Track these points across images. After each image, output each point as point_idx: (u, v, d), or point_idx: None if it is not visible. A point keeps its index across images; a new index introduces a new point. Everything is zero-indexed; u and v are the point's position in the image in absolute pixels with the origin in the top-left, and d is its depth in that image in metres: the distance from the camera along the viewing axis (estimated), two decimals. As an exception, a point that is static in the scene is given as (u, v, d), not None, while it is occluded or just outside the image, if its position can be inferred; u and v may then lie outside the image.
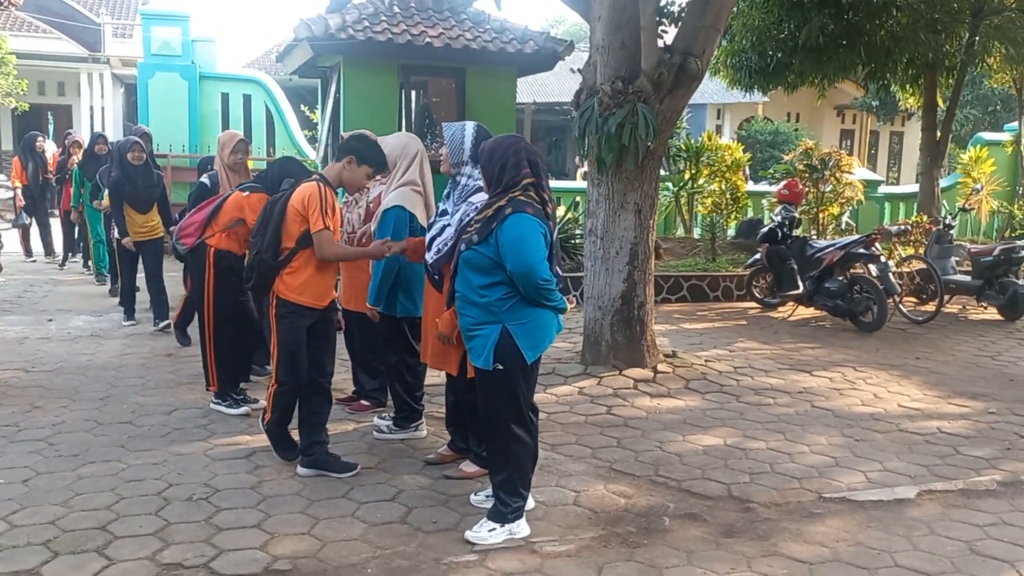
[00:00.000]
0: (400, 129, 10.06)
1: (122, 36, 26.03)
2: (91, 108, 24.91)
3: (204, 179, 6.58)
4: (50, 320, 8.31)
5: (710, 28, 6.44)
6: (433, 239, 4.31)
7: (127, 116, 28.32)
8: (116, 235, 7.92)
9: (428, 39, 9.77)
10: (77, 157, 10.53)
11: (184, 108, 13.45)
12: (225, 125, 13.65)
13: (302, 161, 6.05)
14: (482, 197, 4.07)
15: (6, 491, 4.23)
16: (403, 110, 10.38)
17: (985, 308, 10.02)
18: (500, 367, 3.74)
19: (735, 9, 10.58)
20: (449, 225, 4.24)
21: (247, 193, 5.50)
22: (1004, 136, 15.74)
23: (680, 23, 7.10)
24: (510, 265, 3.65)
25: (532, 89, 24.44)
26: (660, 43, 6.46)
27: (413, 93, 10.70)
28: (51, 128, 22.58)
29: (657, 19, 6.45)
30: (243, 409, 5.53)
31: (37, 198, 12.20)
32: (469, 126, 4.41)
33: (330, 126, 10.91)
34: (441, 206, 4.44)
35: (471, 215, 4.00)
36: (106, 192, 8.35)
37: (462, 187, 4.33)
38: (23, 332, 7.77)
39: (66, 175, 10.93)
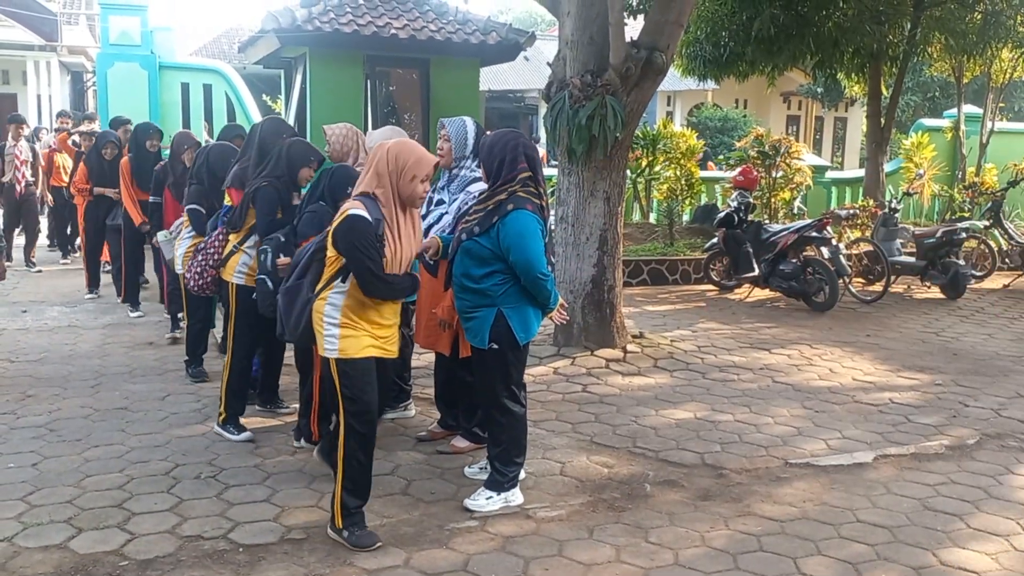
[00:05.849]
0: (365, 119, 10.25)
1: (68, 23, 25.57)
2: (38, 97, 24.43)
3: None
4: (24, 311, 8.35)
5: (674, 23, 6.75)
6: (430, 227, 4.56)
7: (73, 105, 27.82)
8: None
9: (393, 31, 9.98)
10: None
11: (144, 98, 13.36)
12: (186, 115, 13.61)
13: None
14: (480, 187, 4.33)
15: (18, 474, 4.39)
16: (368, 101, 10.56)
17: (929, 287, 10.53)
18: (495, 346, 4.02)
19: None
20: (447, 213, 4.51)
21: None
22: (944, 122, 16.33)
23: (645, 18, 7.39)
24: (512, 258, 3.91)
25: (486, 77, 24.43)
26: (627, 38, 6.76)
27: (378, 84, 10.88)
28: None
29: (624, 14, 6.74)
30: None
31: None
32: (469, 122, 4.67)
33: (296, 117, 11.04)
34: (436, 196, 4.68)
35: (469, 203, 4.26)
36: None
37: (461, 178, 4.60)
38: (-1, 324, 7.83)
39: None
